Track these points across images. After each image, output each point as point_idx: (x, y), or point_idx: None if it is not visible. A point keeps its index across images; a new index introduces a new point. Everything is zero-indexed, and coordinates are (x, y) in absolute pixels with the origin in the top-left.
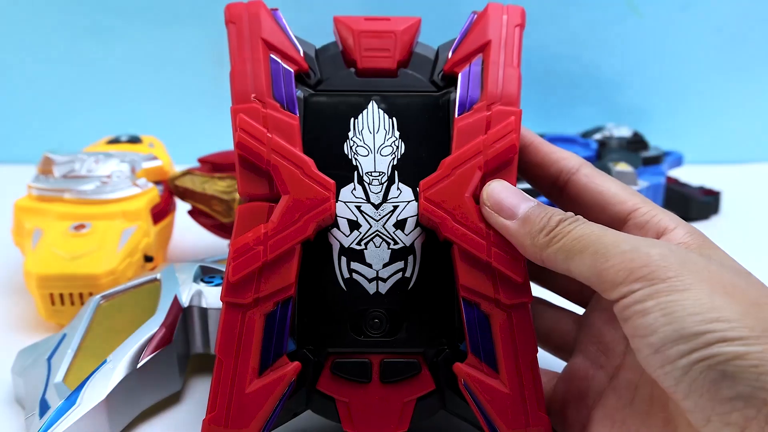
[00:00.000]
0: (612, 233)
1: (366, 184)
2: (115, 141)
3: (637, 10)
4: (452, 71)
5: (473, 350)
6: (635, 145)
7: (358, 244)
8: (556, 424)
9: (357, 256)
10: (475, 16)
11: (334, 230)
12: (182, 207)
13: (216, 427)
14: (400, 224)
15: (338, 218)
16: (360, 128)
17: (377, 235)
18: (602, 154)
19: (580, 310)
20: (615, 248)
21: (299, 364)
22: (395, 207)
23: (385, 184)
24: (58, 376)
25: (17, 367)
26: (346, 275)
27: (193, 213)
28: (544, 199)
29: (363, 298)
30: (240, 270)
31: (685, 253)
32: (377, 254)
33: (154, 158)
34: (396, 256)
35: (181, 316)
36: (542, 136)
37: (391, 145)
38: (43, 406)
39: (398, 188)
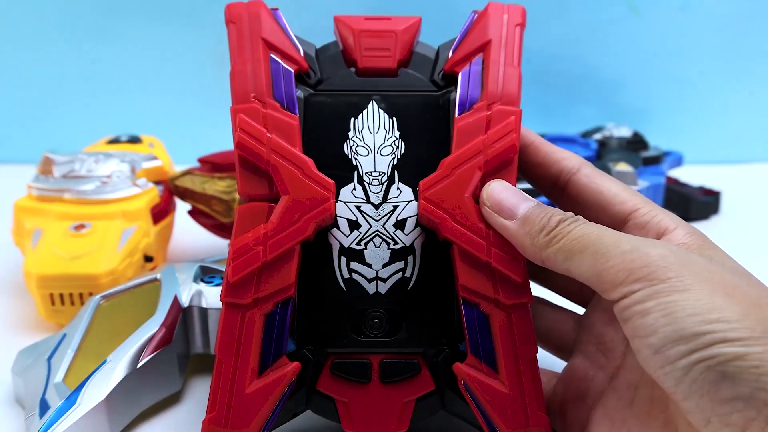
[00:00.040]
0: (612, 233)
1: (366, 184)
2: (115, 141)
3: (637, 10)
4: (452, 71)
5: (473, 350)
6: (635, 145)
7: (358, 244)
8: (555, 425)
9: (357, 256)
10: (476, 15)
11: (334, 230)
12: (182, 207)
13: (216, 427)
14: (400, 224)
15: (338, 218)
16: (360, 128)
17: (377, 235)
18: (602, 154)
19: (580, 310)
20: (615, 248)
21: (299, 364)
22: (395, 207)
23: (385, 184)
24: (58, 376)
25: (17, 367)
26: (346, 275)
27: (193, 213)
28: (544, 199)
29: (363, 298)
30: (239, 270)
31: (685, 254)
32: (377, 254)
33: (154, 158)
34: (396, 256)
35: (181, 316)
36: (542, 136)
37: (391, 145)
38: (43, 406)
39: (398, 188)
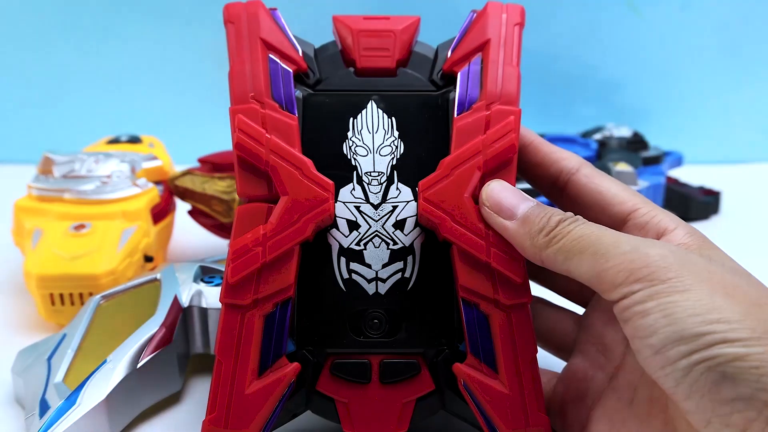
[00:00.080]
0: (612, 233)
1: (365, 184)
2: (115, 141)
3: (637, 10)
4: (451, 70)
5: (473, 350)
6: (635, 145)
7: (358, 244)
8: (555, 425)
9: (356, 256)
10: (475, 14)
11: (334, 231)
12: (182, 207)
13: (216, 428)
14: (400, 224)
15: (337, 219)
16: (359, 128)
17: (376, 235)
18: (602, 154)
19: (580, 310)
20: (615, 249)
21: (299, 364)
22: (394, 207)
23: (385, 184)
24: (58, 376)
25: (17, 367)
26: (346, 276)
27: (193, 213)
28: (543, 199)
29: (362, 298)
30: (239, 271)
31: (685, 254)
32: (376, 254)
33: (154, 158)
34: (395, 256)
35: (181, 316)
36: (542, 136)
37: (390, 145)
38: (43, 406)
39: (397, 188)
